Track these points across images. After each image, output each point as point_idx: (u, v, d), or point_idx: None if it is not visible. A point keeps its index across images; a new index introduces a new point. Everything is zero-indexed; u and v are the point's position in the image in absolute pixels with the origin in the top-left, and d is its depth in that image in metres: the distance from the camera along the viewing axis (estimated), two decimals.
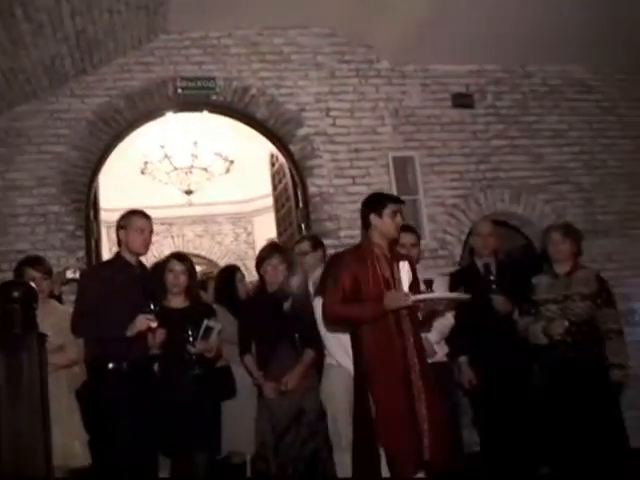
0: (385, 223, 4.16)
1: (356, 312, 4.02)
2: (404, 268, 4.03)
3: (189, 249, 11.27)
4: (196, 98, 6.77)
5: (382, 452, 3.89)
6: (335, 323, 4.32)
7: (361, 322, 4.01)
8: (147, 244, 4.52)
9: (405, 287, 3.99)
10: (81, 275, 5.15)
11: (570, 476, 4.72)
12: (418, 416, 3.88)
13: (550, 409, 4.82)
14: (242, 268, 6.13)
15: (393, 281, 4.09)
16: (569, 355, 4.76)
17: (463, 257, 6.68)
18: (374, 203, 4.27)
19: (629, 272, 7.03)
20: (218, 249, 12.04)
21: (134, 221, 4.46)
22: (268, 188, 8.13)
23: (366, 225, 4.26)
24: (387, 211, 4.16)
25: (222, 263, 10.37)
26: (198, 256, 11.29)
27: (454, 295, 4.38)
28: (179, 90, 6.63)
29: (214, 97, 6.76)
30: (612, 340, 4.82)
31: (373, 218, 4.18)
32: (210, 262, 11.47)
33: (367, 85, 7.01)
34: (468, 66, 7.22)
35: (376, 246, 4.17)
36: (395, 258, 4.20)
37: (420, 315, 4.14)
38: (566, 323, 4.74)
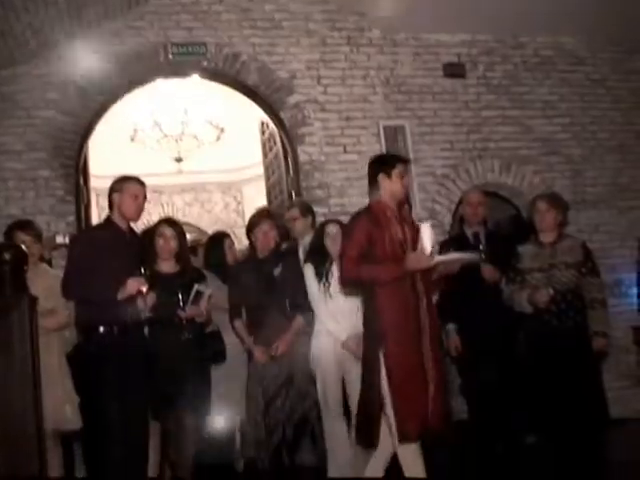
0: (394, 184, 4.15)
1: (376, 273, 4.00)
2: (427, 230, 4.02)
3: (178, 217, 11.19)
4: (187, 64, 6.71)
5: (390, 416, 3.94)
6: (353, 284, 4.26)
7: (380, 283, 3.99)
8: (140, 210, 4.53)
9: (428, 249, 3.96)
10: (71, 238, 5.14)
11: (555, 445, 4.79)
12: (427, 378, 3.94)
13: (535, 377, 4.87)
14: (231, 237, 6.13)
15: (405, 243, 4.10)
16: (553, 323, 4.82)
17: (452, 226, 6.71)
18: (383, 164, 4.24)
19: (616, 243, 7.10)
20: (207, 217, 12.02)
21: (129, 186, 4.47)
22: (258, 157, 8.10)
23: (373, 186, 4.25)
24: (396, 171, 4.15)
25: (211, 232, 10.34)
26: (187, 224, 11.23)
27: (471, 256, 4.35)
28: (169, 55, 6.56)
29: (205, 63, 6.70)
30: (595, 309, 4.87)
31: (382, 179, 4.16)
32: (199, 230, 11.44)
33: (358, 53, 6.97)
34: (460, 36, 7.19)
35: (387, 207, 4.17)
36: (404, 220, 4.21)
37: (434, 276, 4.15)
38: (551, 291, 4.78)
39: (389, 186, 4.15)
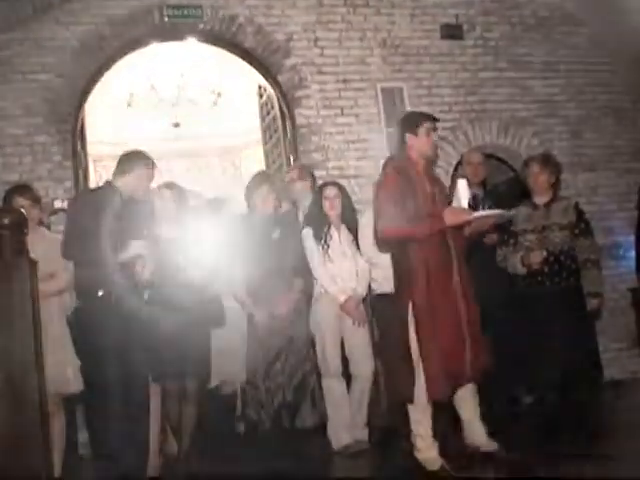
0: (421, 142, 4.16)
1: (416, 229, 3.99)
2: (463, 186, 4.04)
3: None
4: (182, 26, 6.64)
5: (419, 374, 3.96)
6: (393, 241, 4.22)
7: (419, 239, 3.99)
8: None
9: (465, 204, 4.01)
10: (71, 201, 5.14)
11: (551, 406, 4.84)
12: (463, 334, 3.97)
13: (529, 338, 4.89)
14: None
15: (434, 199, 4.12)
16: (546, 284, 4.85)
17: (450, 188, 6.69)
18: (409, 122, 4.25)
19: (614, 206, 7.11)
20: (206, 183, 11.95)
21: (153, 173, 4.57)
22: (256, 121, 8.06)
23: (401, 144, 4.25)
24: (422, 130, 4.16)
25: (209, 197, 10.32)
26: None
27: (504, 213, 4.36)
28: (165, 18, 6.49)
29: (201, 26, 6.63)
30: (589, 269, 4.90)
31: (409, 137, 4.18)
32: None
33: (355, 15, 6.90)
34: None
35: (416, 163, 4.18)
36: (431, 177, 4.23)
37: (467, 232, 4.15)
38: (544, 253, 4.81)
39: (417, 144, 4.16)
